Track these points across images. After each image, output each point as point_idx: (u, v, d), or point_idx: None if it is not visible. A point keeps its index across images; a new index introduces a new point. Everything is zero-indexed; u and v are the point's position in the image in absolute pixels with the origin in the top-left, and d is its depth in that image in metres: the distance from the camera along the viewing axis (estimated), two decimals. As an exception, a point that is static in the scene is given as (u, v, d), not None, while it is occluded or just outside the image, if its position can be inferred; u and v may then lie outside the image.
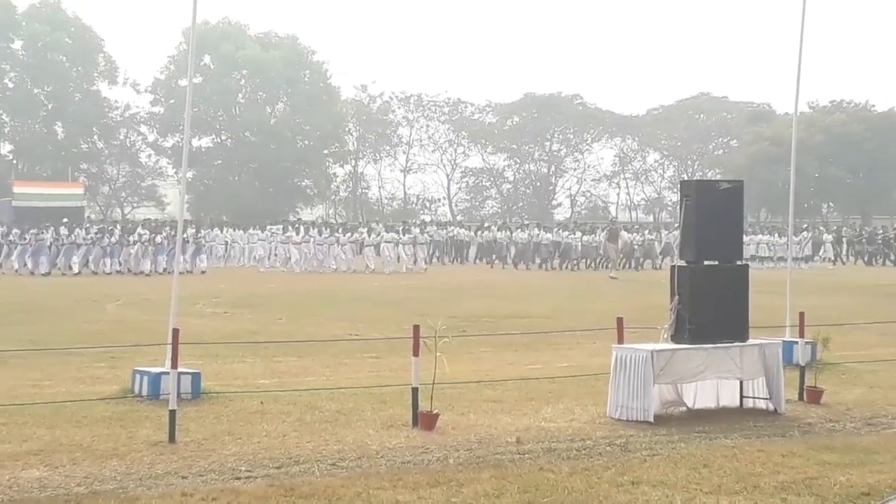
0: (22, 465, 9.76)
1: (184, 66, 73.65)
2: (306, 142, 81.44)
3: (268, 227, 51.04)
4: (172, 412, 10.97)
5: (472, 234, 56.11)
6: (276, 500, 8.70)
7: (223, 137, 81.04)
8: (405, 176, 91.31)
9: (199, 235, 46.34)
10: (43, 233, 42.29)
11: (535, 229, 51.61)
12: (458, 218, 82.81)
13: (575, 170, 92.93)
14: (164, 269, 40.80)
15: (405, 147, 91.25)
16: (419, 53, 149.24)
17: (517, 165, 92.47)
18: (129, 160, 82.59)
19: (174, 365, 11.32)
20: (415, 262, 46.18)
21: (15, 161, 78.12)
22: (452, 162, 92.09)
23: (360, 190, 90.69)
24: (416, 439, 11.26)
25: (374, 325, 22.94)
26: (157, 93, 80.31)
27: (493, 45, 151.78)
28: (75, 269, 40.88)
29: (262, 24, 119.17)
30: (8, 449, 10.38)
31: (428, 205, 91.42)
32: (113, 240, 42.95)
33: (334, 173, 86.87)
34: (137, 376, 13.36)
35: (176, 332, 11.52)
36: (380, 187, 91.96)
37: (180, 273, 39.00)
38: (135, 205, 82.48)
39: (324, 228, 49.51)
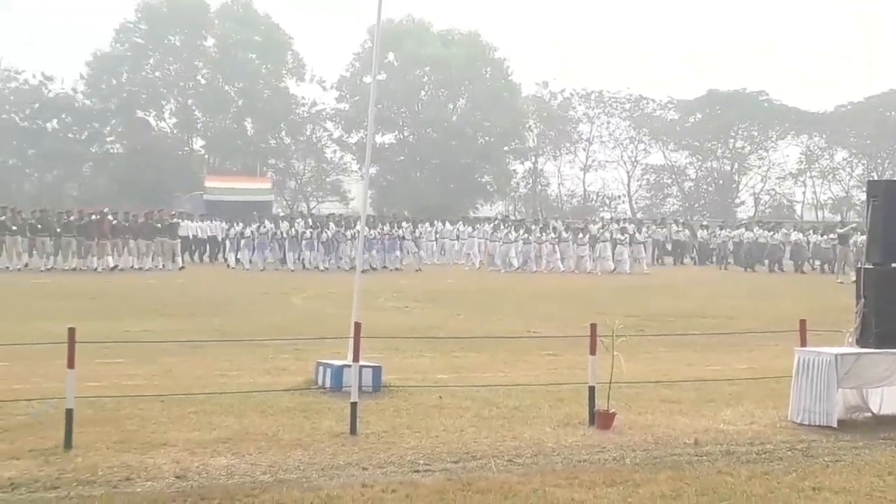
0: (211, 453, 10.11)
1: (368, 63, 74.80)
2: (487, 138, 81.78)
3: (477, 225, 50.20)
4: (354, 405, 11.21)
5: (689, 233, 53.86)
6: (453, 495, 8.82)
7: (406, 134, 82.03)
8: (585, 173, 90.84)
9: (414, 232, 45.99)
10: (263, 227, 42.50)
11: (757, 229, 49.72)
12: (639, 215, 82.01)
13: (759, 167, 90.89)
14: (382, 266, 41.46)
15: (585, 144, 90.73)
16: (601, 50, 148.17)
17: (699, 163, 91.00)
18: (314, 156, 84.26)
19: (356, 358, 11.56)
20: (636, 262, 44.74)
21: (207, 156, 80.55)
22: (633, 159, 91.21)
23: (539, 187, 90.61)
24: (592, 438, 11.26)
25: (552, 322, 22.96)
26: (342, 90, 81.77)
27: (676, 41, 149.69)
28: (291, 264, 40.89)
29: (445, 22, 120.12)
30: (198, 436, 10.77)
31: (608, 202, 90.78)
32: (328, 235, 42.37)
33: (514, 170, 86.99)
34: (321, 368, 13.67)
35: (358, 325, 11.77)
36: (559, 184, 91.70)
37: (397, 269, 39.54)
38: (320, 199, 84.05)
39: (533, 226, 47.87)
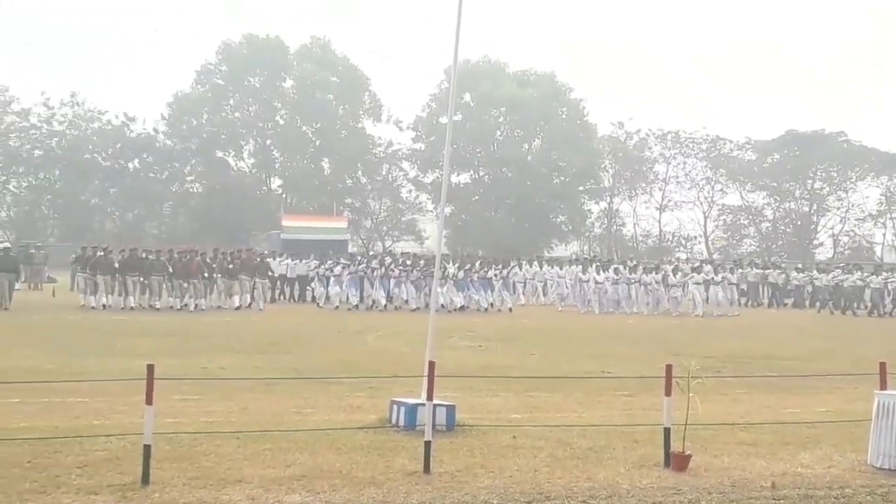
0: (285, 490, 10.16)
1: (445, 103, 75.38)
2: (562, 178, 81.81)
3: (566, 265, 49.33)
4: (428, 443, 11.22)
5: (786, 275, 52.83)
6: (526, 534, 8.78)
7: (481, 173, 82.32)
8: (661, 213, 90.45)
9: (504, 271, 44.77)
10: (354, 265, 41.79)
11: (858, 272, 48.57)
12: (715, 256, 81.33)
13: (838, 209, 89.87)
14: (475, 306, 40.74)
15: (661, 184, 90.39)
16: (677, 90, 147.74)
17: (777, 203, 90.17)
18: (390, 195, 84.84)
19: (430, 397, 11.58)
20: (729, 303, 44.48)
21: (284, 195, 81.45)
22: (709, 199, 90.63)
23: (614, 227, 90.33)
24: (667, 480, 11.16)
25: (627, 362, 22.81)
26: (418, 130, 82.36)
27: (753, 82, 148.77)
28: (404, 302, 40.24)
29: (521, 62, 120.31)
30: (272, 473, 10.83)
31: (684, 242, 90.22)
32: (418, 273, 41.29)
33: (589, 210, 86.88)
34: (394, 407, 13.69)
35: (432, 364, 11.79)
36: (635, 224, 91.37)
37: (485, 309, 38.65)
38: (395, 238, 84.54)
39: (622, 267, 46.70)
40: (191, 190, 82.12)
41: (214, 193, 77.22)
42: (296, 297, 44.41)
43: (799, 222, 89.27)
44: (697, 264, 49.80)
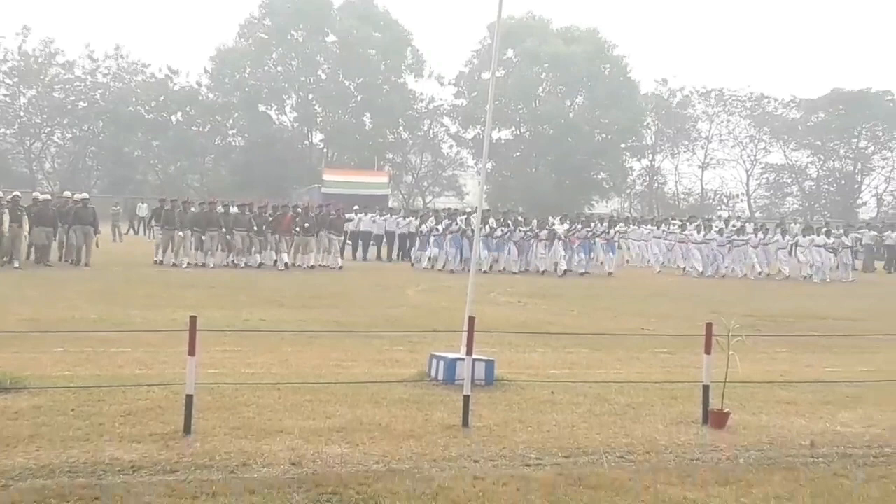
0: (325, 441, 10.23)
1: (487, 59, 75.07)
2: (604, 135, 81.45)
3: (663, 225, 46.26)
4: (466, 398, 11.26)
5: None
6: (564, 490, 8.81)
7: (522, 130, 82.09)
8: (703, 171, 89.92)
9: (610, 232, 41.87)
10: (456, 224, 38.13)
11: None
12: (757, 214, 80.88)
13: (883, 168, 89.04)
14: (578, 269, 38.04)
15: (704, 142, 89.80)
16: (722, 47, 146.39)
17: (821, 162, 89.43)
18: (431, 151, 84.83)
19: (469, 352, 11.61)
20: (845, 267, 41.78)
21: (325, 149, 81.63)
22: (752, 158, 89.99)
23: (656, 184, 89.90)
24: (705, 437, 11.16)
25: (668, 320, 22.78)
26: (460, 86, 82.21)
27: (799, 39, 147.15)
28: (484, 266, 36.02)
29: (565, 18, 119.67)
30: (313, 425, 10.91)
31: (725, 201, 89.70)
32: (521, 234, 38.69)
33: (631, 167, 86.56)
34: (434, 361, 13.75)
35: (472, 319, 11.81)
36: (676, 182, 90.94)
37: (585, 272, 36.58)
38: (436, 194, 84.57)
39: (725, 227, 44.08)
40: (233, 143, 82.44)
41: (256, 147, 77.45)
42: (391, 256, 42.58)
43: (843, 181, 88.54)
44: (806, 226, 47.72)
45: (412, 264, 39.01)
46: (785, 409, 12.82)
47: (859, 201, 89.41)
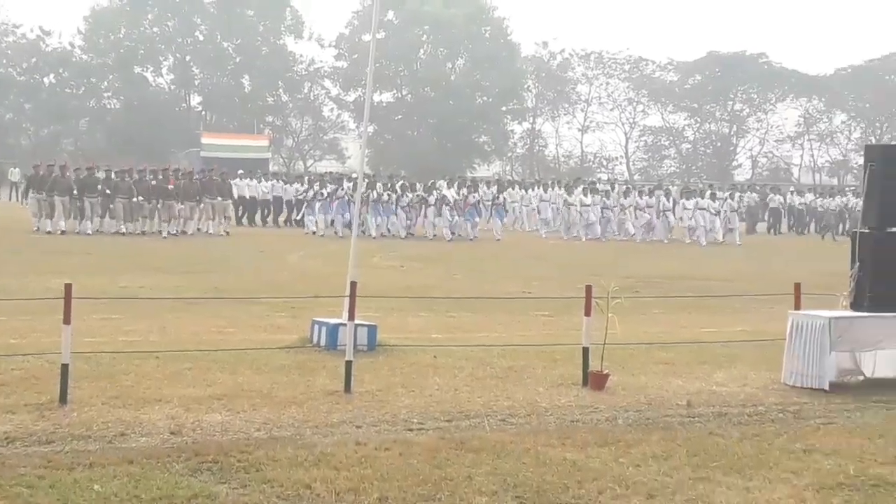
0: (205, 409, 10.14)
1: (368, 21, 74.54)
2: (485, 98, 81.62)
3: (550, 188, 45.28)
4: (349, 363, 11.25)
5: (783, 200, 50.82)
6: (446, 453, 8.86)
7: (404, 93, 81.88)
8: (582, 134, 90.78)
9: (499, 197, 42.09)
10: (342, 189, 37.60)
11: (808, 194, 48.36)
12: (636, 177, 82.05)
13: (757, 130, 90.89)
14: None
15: (584, 105, 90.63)
16: (601, 10, 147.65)
17: (697, 125, 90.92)
18: (312, 114, 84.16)
19: (351, 317, 11.59)
20: (729, 230, 42.16)
21: (204, 112, 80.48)
22: (631, 120, 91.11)
23: (536, 147, 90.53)
24: (585, 398, 11.32)
25: (550, 283, 23.00)
26: (341, 47, 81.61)
27: (676, 2, 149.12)
28: (374, 231, 36.49)
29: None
30: (193, 393, 10.81)
31: (605, 163, 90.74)
32: (409, 199, 38.57)
33: (512, 130, 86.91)
34: (316, 327, 13.71)
35: (354, 284, 11.78)
36: (557, 145, 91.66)
37: (471, 239, 36.06)
38: (317, 158, 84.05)
39: (612, 190, 44.26)
40: (108, 106, 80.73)
41: (132, 110, 75.99)
42: (279, 222, 42.09)
43: (719, 143, 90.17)
44: (694, 188, 48.10)
45: (310, 231, 38.12)
46: (662, 369, 13.06)
47: (735, 163, 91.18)
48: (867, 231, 12.89)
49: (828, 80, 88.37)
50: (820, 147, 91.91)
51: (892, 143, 67.37)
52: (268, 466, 8.32)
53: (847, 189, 53.80)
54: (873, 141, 77.61)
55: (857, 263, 12.60)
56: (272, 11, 79.59)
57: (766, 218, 50.55)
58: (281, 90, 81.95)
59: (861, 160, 14.54)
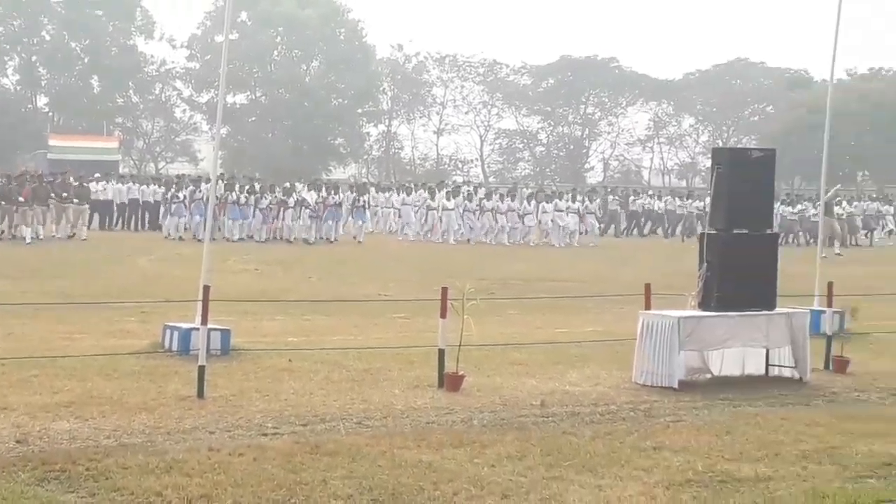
0: (53, 417, 9.90)
1: (220, 21, 73.51)
2: (340, 100, 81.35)
3: (415, 192, 44.40)
4: (202, 368, 11.09)
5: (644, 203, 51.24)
6: (301, 457, 8.80)
7: (258, 94, 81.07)
8: (438, 137, 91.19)
9: (360, 200, 41.49)
10: (199, 191, 36.60)
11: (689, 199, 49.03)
12: (491, 179, 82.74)
13: (609, 133, 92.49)
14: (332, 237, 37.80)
15: (439, 108, 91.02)
16: (456, 13, 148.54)
17: (551, 128, 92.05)
18: (164, 115, 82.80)
19: (204, 321, 11.44)
20: (587, 232, 43.11)
21: (51, 114, 78.55)
22: (486, 123, 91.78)
23: (392, 150, 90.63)
24: (441, 400, 11.35)
25: (406, 286, 23.01)
26: (193, 48, 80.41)
27: (529, 7, 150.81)
28: (236, 234, 36.29)
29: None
30: (40, 400, 10.54)
31: (460, 166, 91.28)
32: (268, 201, 37.82)
33: (367, 132, 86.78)
34: (168, 331, 13.52)
35: (206, 288, 11.62)
36: (413, 147, 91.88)
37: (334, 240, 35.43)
38: (169, 160, 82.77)
39: (475, 192, 44.08)
40: (-51, 107, 78.24)
41: (-25, 111, 73.75)
42: (135, 226, 40.84)
43: (572, 146, 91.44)
44: (554, 191, 48.27)
45: (167, 234, 37.35)
46: (517, 370, 13.18)
47: (587, 166, 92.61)
48: (714, 232, 13.20)
49: (676, 84, 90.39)
50: (669, 150, 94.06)
51: (739, 146, 69.19)
52: (117, 474, 8.14)
53: (708, 192, 54.77)
54: (720, 144, 79.80)
55: (705, 264, 12.89)
56: (122, 11, 78.01)
57: (625, 220, 51.30)
58: (131, 91, 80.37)
59: (709, 163, 14.88)
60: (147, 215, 41.38)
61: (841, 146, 65.27)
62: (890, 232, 49.69)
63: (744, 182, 13.00)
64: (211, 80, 75.37)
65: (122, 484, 7.91)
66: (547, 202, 42.70)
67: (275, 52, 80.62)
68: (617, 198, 51.83)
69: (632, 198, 52.01)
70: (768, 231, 13.65)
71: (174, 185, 39.25)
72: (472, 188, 48.29)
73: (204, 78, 77.96)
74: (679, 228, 47.76)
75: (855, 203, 49.35)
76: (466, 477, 8.41)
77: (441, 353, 12.02)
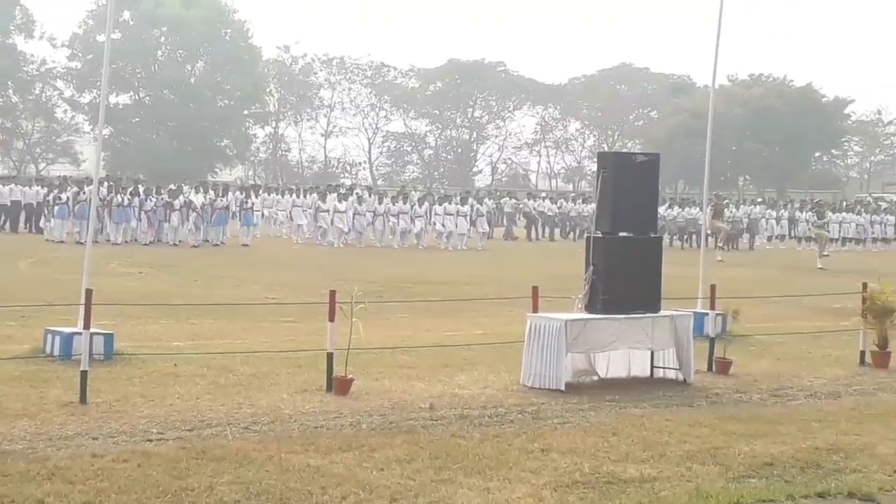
0: (-72, 425, 9.64)
1: (102, 21, 72.43)
2: (226, 102, 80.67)
3: (306, 194, 43.99)
4: (84, 373, 10.89)
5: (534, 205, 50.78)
6: (187, 463, 8.68)
7: (141, 95, 79.99)
8: (326, 139, 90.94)
9: (248, 202, 40.58)
10: (83, 193, 35.09)
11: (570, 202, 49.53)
12: (380, 182, 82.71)
13: (497, 137, 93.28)
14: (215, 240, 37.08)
15: (326, 110, 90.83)
16: (344, 15, 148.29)
17: (439, 131, 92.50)
18: (44, 115, 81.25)
19: (86, 325, 11.24)
20: (480, 235, 43.07)
21: (-76, 114, 76.60)
22: (374, 126, 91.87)
23: (280, 152, 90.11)
24: (329, 404, 11.29)
25: (294, 289, 22.85)
26: (74, 48, 79.05)
27: (417, 10, 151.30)
28: (119, 237, 35.58)
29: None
30: (-86, 408, 10.25)
31: (349, 168, 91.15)
32: (153, 204, 36.84)
33: (254, 134, 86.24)
34: (49, 336, 13.23)
35: (89, 292, 11.41)
36: (300, 150, 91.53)
37: (221, 244, 34.61)
38: (49, 161, 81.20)
39: (368, 196, 43.41)
40: None
41: None
42: (15, 227, 39.88)
43: (460, 150, 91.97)
44: (445, 194, 48.36)
45: (50, 237, 36.37)
46: (406, 373, 13.17)
47: (476, 169, 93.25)
48: (600, 235, 13.33)
49: (562, 88, 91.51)
50: (556, 154, 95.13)
51: (624, 150, 70.24)
52: (-3, 483, 7.95)
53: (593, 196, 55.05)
54: (606, 148, 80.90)
55: (591, 267, 13.02)
56: (1, 9, 76.35)
57: (518, 223, 51.41)
58: (10, 91, 78.72)
59: (595, 167, 15.08)
60: (29, 217, 40.45)
61: (723, 151, 66.89)
62: (770, 238, 50.70)
63: (629, 186, 13.16)
64: (93, 79, 74.14)
65: (3, 491, 7.73)
66: (439, 205, 42.85)
67: (159, 52, 79.66)
68: (514, 200, 52.23)
69: (524, 201, 52.28)
70: (652, 234, 13.83)
71: (57, 187, 38.36)
72: (361, 190, 48.13)
73: (86, 77, 76.69)
74: (575, 231, 48.31)
75: (742, 207, 50.31)
76: (355, 481, 8.37)
77: (329, 356, 11.96)
